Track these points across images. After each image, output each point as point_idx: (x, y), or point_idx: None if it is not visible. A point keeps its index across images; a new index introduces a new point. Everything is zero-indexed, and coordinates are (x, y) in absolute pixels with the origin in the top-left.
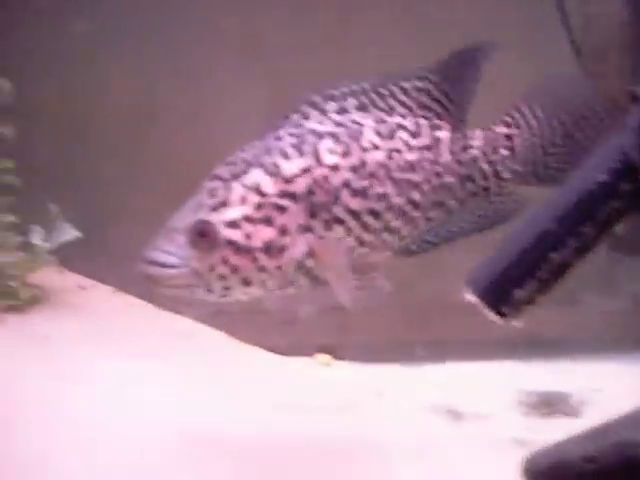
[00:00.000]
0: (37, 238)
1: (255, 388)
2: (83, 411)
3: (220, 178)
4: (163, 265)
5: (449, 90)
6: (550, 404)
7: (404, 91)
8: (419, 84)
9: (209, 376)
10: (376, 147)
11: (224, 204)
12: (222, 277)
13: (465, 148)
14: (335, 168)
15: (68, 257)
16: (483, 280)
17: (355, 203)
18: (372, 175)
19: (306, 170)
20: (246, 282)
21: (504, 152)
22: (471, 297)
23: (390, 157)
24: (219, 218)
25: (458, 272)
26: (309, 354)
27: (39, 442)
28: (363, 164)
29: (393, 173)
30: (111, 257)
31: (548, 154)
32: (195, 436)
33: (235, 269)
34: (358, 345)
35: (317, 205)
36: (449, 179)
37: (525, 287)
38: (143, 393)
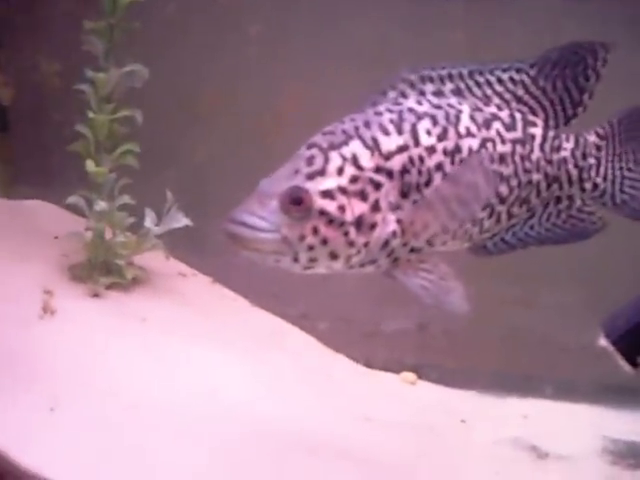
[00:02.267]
0: (149, 221)
1: (341, 398)
2: (169, 395)
3: (318, 146)
4: (252, 228)
5: (546, 86)
6: (637, 455)
7: (500, 81)
8: (516, 76)
9: (295, 379)
10: (471, 134)
11: (321, 173)
12: (310, 247)
13: (557, 149)
14: (431, 150)
15: (175, 243)
16: (620, 329)
17: (446, 188)
18: (465, 162)
19: (403, 148)
20: (333, 255)
21: (592, 161)
22: (604, 343)
23: (484, 146)
24: (314, 187)
25: (550, 308)
26: (393, 370)
27: (128, 420)
28: (458, 149)
29: (484, 163)
30: (214, 249)
31: (625, 177)
32: (277, 437)
33: (324, 241)
34: (443, 367)
35: (410, 185)
36: (537, 177)
37: None
38: (229, 386)
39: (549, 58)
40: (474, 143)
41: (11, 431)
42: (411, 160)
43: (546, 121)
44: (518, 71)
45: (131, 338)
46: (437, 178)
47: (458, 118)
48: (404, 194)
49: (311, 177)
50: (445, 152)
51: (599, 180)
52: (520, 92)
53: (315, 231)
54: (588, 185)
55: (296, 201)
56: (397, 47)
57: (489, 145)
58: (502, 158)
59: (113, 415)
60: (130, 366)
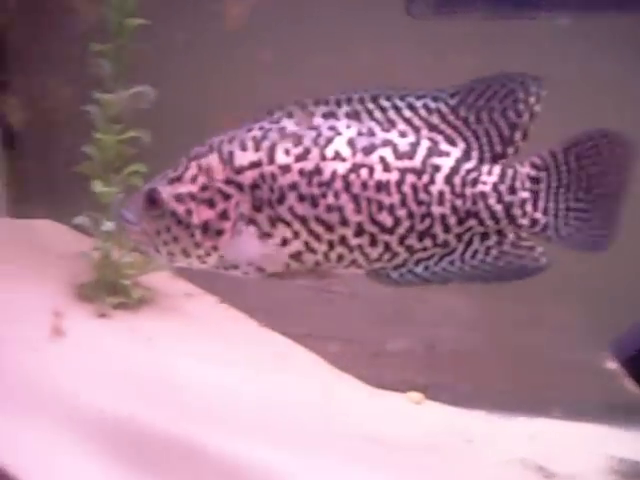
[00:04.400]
0: None
1: (345, 418)
2: (176, 417)
3: (187, 156)
4: (126, 221)
5: (468, 117)
6: None
7: (411, 108)
8: (432, 104)
9: (299, 399)
10: (341, 158)
11: (179, 179)
12: (165, 243)
13: (472, 182)
14: (285, 169)
15: None
16: (628, 350)
17: (301, 208)
18: (326, 185)
19: (256, 164)
20: (185, 253)
21: (524, 194)
22: (613, 364)
23: (355, 172)
24: (170, 190)
25: (556, 327)
26: (400, 390)
27: (133, 439)
28: (318, 171)
29: (354, 189)
30: None
31: (570, 209)
32: (282, 457)
33: (175, 238)
34: (450, 387)
35: (261, 200)
36: (439, 210)
37: None
38: (237, 407)
39: (473, 88)
40: (341, 167)
41: (24, 455)
42: (262, 176)
43: (467, 153)
44: (435, 99)
45: (136, 357)
46: (291, 197)
47: (330, 141)
48: (257, 208)
49: (171, 182)
50: (302, 173)
51: (538, 215)
52: (436, 120)
53: (168, 229)
54: (524, 221)
55: (152, 201)
56: (404, 69)
57: (362, 171)
58: (382, 185)
59: (114, 434)
60: (136, 386)
